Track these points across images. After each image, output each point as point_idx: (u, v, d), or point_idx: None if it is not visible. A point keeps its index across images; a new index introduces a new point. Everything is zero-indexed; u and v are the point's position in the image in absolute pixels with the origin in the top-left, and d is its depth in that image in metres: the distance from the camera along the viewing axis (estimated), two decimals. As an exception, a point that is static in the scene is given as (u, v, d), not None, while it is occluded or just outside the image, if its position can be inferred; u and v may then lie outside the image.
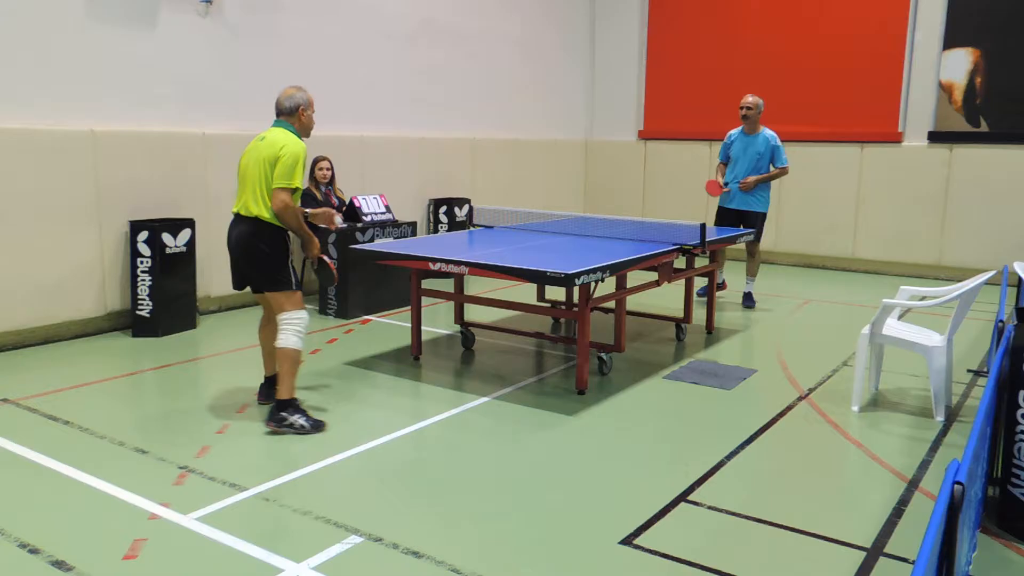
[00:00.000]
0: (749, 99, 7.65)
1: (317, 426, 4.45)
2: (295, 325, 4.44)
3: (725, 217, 7.83)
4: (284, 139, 4.41)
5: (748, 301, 7.88)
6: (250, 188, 4.43)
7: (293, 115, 4.55)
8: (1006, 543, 3.36)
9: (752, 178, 7.60)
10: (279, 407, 4.44)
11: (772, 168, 7.69)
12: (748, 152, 7.68)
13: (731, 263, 10.14)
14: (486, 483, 3.89)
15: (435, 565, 3.09)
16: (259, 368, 5.00)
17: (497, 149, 10.52)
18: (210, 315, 7.20)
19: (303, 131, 4.59)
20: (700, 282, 7.67)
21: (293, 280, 4.50)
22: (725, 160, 7.91)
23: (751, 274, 7.92)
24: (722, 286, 8.20)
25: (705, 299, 7.51)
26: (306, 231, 4.54)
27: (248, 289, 4.69)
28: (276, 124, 4.56)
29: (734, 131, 7.84)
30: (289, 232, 4.50)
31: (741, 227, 7.51)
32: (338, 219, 4.97)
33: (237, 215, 4.52)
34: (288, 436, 4.41)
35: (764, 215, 7.81)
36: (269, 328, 4.74)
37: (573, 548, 3.27)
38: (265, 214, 4.40)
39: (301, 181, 4.40)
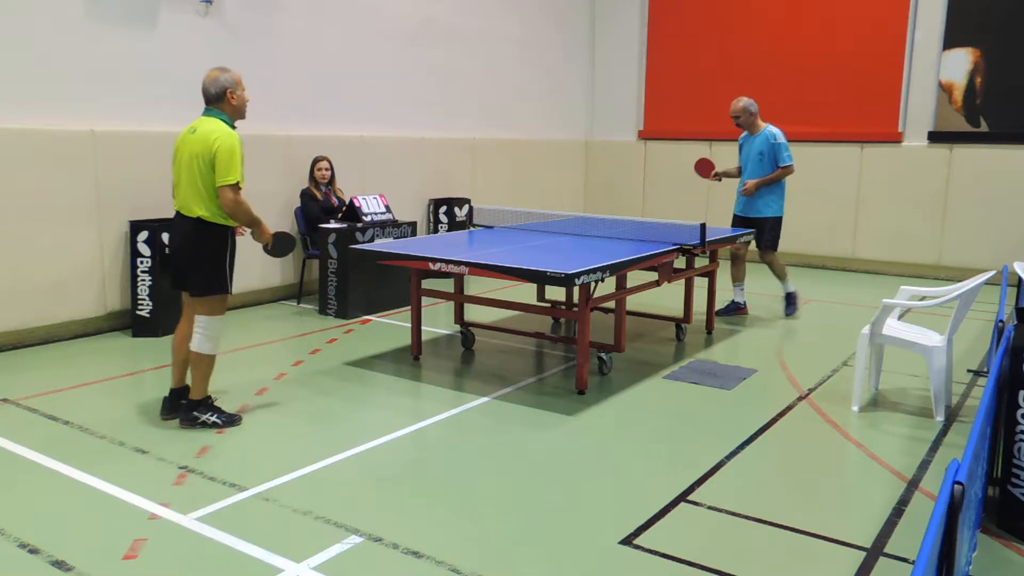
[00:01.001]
0: (737, 105, 7.31)
1: (231, 420, 4.49)
2: (207, 331, 4.40)
3: (740, 224, 7.47)
4: (215, 131, 4.21)
5: (790, 306, 7.47)
6: (187, 185, 4.29)
7: (222, 100, 4.32)
8: (1006, 543, 3.36)
9: (752, 182, 7.26)
10: (191, 406, 4.48)
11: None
12: (751, 153, 7.35)
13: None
14: (486, 483, 3.89)
15: (435, 565, 3.09)
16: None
17: (497, 149, 10.52)
18: (210, 315, 7.19)
19: (235, 115, 4.38)
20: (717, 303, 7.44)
21: (227, 284, 4.42)
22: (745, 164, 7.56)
23: (782, 278, 7.47)
24: (742, 309, 7.55)
25: (727, 317, 7.38)
26: (258, 220, 4.41)
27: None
28: (206, 113, 4.36)
29: (743, 135, 7.53)
30: (232, 232, 4.43)
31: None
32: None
33: (178, 214, 4.39)
34: (287, 436, 4.41)
35: (775, 220, 7.36)
36: (184, 333, 4.57)
37: (573, 548, 3.27)
38: (206, 214, 4.28)
39: (242, 173, 4.25)
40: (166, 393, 4.61)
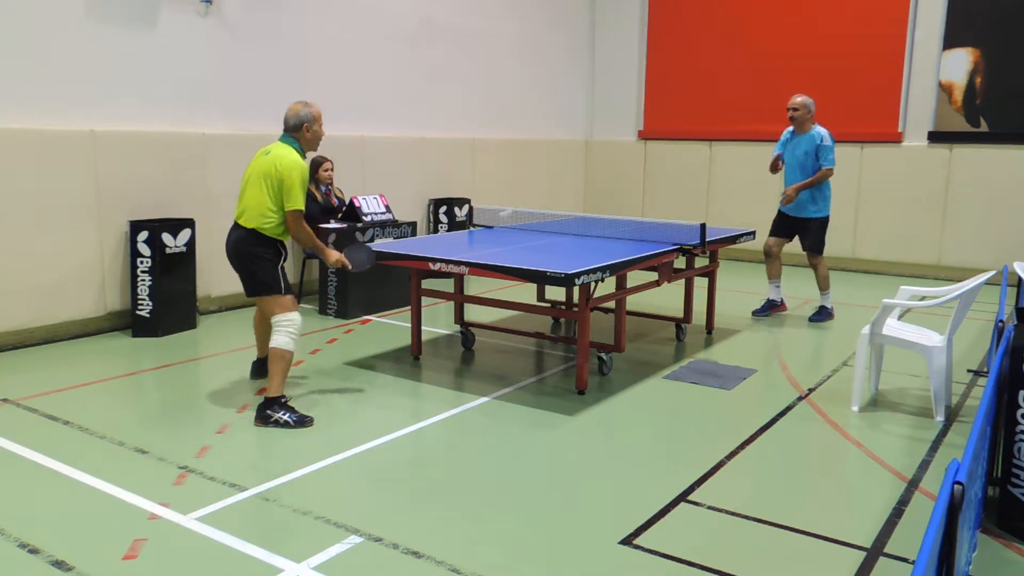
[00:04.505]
0: (796, 99, 7.14)
1: (302, 421, 4.54)
2: (287, 327, 4.58)
3: (780, 223, 7.41)
4: (287, 158, 4.54)
5: (816, 315, 7.34)
6: (250, 198, 4.60)
7: (298, 131, 4.68)
8: (1006, 543, 3.36)
9: (792, 189, 7.07)
10: (266, 404, 4.56)
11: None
12: (795, 153, 7.17)
13: (737, 264, 10.15)
14: (486, 483, 3.89)
15: (435, 565, 3.09)
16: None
17: (497, 149, 10.52)
18: (210, 315, 7.20)
19: (308, 146, 4.74)
20: (754, 302, 7.59)
21: (282, 285, 4.65)
22: (781, 151, 7.34)
23: (822, 289, 7.34)
24: (779, 306, 7.60)
25: (764, 316, 7.41)
26: (320, 246, 4.77)
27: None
28: (282, 139, 4.70)
29: (787, 131, 7.34)
30: (282, 243, 4.72)
31: (794, 236, 7.30)
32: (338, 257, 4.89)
33: (236, 223, 4.69)
34: (288, 436, 4.41)
35: (820, 221, 7.20)
36: (261, 316, 5.02)
37: (573, 548, 3.27)
38: (262, 225, 4.57)
39: (304, 201, 4.57)
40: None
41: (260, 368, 5.21)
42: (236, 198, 4.74)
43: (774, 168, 7.30)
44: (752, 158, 10.84)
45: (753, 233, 7.20)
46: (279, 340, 4.56)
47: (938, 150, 9.78)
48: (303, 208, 4.55)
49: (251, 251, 4.60)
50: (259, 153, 4.70)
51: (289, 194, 4.50)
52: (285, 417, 4.51)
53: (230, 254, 4.71)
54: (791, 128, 7.28)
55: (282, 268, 4.69)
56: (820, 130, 7.12)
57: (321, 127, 4.75)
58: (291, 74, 7.84)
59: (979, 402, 4.03)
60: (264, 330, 5.05)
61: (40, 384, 5.19)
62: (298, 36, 7.92)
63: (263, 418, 4.53)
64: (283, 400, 4.59)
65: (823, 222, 7.22)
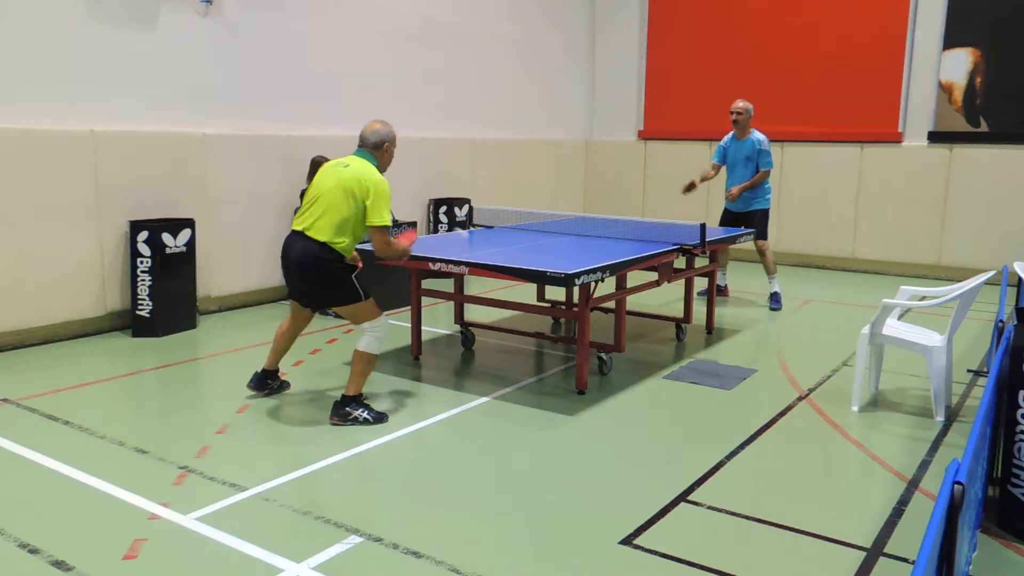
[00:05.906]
0: (739, 104, 7.81)
1: (379, 418, 4.61)
2: (377, 332, 4.62)
3: (727, 218, 8.00)
4: (370, 174, 4.45)
5: (774, 303, 7.85)
6: (323, 212, 4.45)
7: (378, 149, 4.61)
8: (1006, 543, 3.36)
9: (736, 189, 7.78)
10: (344, 402, 4.59)
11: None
12: (740, 157, 7.85)
13: (736, 264, 10.15)
14: (486, 483, 3.89)
15: (435, 565, 3.09)
16: (253, 368, 5.02)
17: (497, 149, 10.52)
18: (210, 315, 7.20)
19: (384, 166, 4.65)
20: (700, 284, 7.68)
21: (361, 291, 4.57)
22: (720, 161, 8.04)
23: (770, 272, 7.91)
24: (723, 291, 8.32)
25: (705, 298, 7.56)
26: (406, 251, 4.76)
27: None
28: (359, 153, 4.61)
29: (728, 135, 8.00)
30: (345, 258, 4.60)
31: (742, 227, 7.63)
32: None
33: (301, 233, 4.50)
34: (287, 436, 4.42)
35: (764, 211, 7.90)
36: (291, 330, 4.95)
37: (573, 548, 3.27)
38: (336, 241, 4.44)
39: (390, 218, 4.51)
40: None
41: (262, 380, 5.01)
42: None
43: (703, 178, 8.01)
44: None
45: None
46: (367, 344, 4.58)
47: (938, 150, 9.78)
48: (390, 224, 4.49)
49: (323, 265, 4.44)
50: (334, 165, 4.58)
51: (376, 210, 4.40)
52: (364, 415, 4.58)
53: (294, 266, 4.52)
54: (732, 134, 7.93)
55: (354, 274, 4.60)
56: (759, 135, 7.81)
57: (395, 148, 4.69)
58: (291, 74, 7.84)
59: (979, 402, 4.03)
60: (287, 342, 4.96)
61: (40, 384, 5.19)
62: (298, 36, 7.92)
63: (341, 416, 4.56)
64: (362, 398, 4.65)
65: (765, 212, 7.93)
